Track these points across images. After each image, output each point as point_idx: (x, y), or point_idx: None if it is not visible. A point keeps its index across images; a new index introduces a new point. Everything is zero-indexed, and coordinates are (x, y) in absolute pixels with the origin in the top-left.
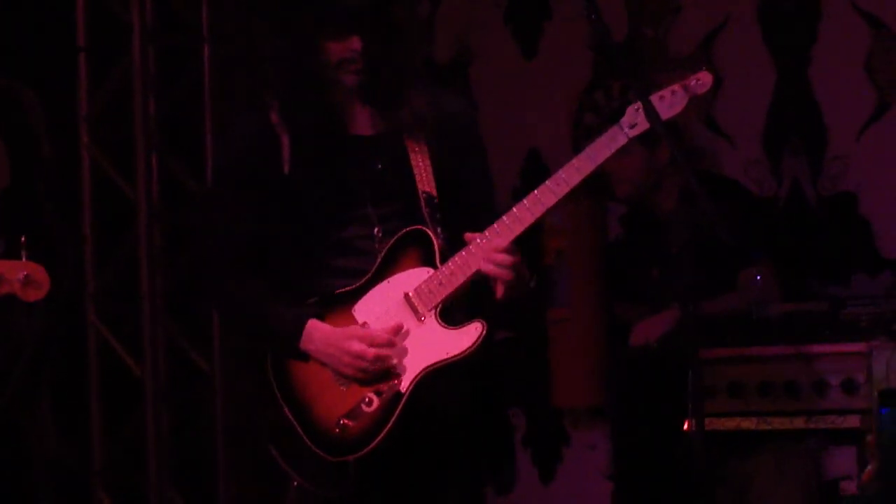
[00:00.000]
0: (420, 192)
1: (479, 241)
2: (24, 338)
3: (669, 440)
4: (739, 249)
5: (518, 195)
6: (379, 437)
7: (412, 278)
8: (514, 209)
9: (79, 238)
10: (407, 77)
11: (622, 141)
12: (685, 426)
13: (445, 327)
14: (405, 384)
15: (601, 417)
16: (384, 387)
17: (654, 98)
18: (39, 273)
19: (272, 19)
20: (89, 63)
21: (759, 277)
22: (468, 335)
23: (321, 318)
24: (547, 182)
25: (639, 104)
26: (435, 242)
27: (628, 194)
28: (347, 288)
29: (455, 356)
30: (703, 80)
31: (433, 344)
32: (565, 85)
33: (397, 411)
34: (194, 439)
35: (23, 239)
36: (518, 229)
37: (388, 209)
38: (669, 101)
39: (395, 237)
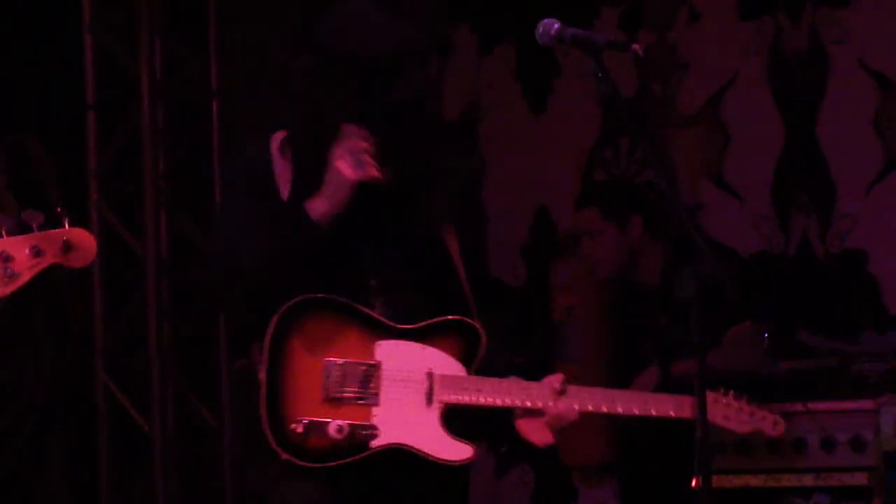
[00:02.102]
0: (461, 272)
1: (532, 386)
2: (33, 394)
3: (677, 497)
4: (738, 307)
5: (528, 254)
6: (326, 464)
7: (444, 364)
8: (603, 393)
9: (88, 294)
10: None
11: (686, 414)
12: (693, 483)
13: (443, 427)
14: (379, 442)
15: (610, 474)
16: (362, 427)
17: (734, 405)
18: (81, 237)
19: (288, 87)
20: (99, 118)
21: (766, 335)
22: (459, 451)
23: (331, 321)
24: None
25: (715, 397)
26: (482, 344)
27: (609, 273)
28: (385, 320)
29: (439, 459)
30: (778, 426)
31: (425, 433)
32: (575, 141)
33: (356, 457)
34: (204, 497)
35: (58, 209)
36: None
37: (394, 280)
38: (744, 419)
39: (453, 317)
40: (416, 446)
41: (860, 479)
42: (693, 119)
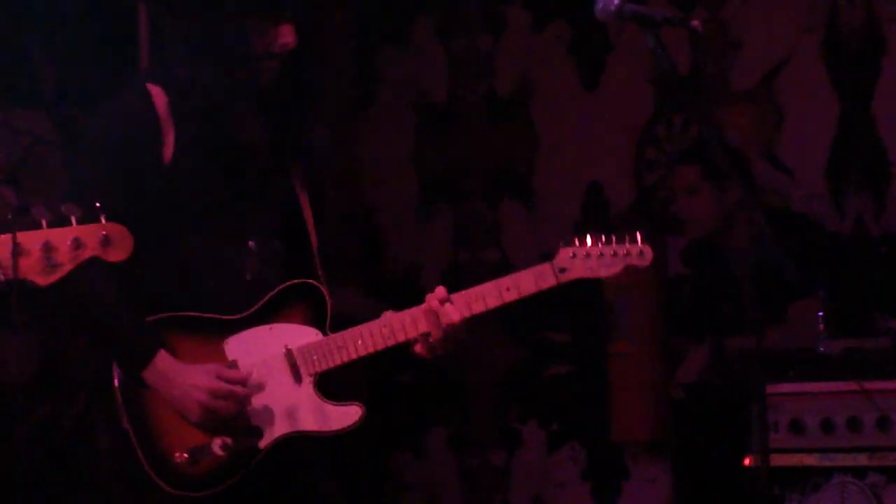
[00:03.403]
0: (313, 239)
1: (399, 316)
2: (82, 374)
3: (730, 476)
4: (799, 284)
5: (579, 228)
6: (223, 485)
7: (297, 334)
8: (475, 292)
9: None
10: (318, 98)
11: (550, 282)
12: (746, 462)
13: (323, 399)
14: (266, 441)
15: (661, 451)
16: (243, 435)
17: (594, 252)
18: (119, 232)
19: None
20: None
21: (821, 314)
22: (347, 416)
23: (175, 339)
24: (470, 291)
25: (572, 251)
26: (328, 304)
27: (700, 234)
28: (222, 317)
29: (328, 432)
30: (645, 255)
31: (306, 411)
32: (627, 118)
33: (251, 464)
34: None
35: (97, 203)
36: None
37: (269, 244)
38: (609, 262)
39: (286, 284)
40: (303, 428)
41: None
42: (747, 97)
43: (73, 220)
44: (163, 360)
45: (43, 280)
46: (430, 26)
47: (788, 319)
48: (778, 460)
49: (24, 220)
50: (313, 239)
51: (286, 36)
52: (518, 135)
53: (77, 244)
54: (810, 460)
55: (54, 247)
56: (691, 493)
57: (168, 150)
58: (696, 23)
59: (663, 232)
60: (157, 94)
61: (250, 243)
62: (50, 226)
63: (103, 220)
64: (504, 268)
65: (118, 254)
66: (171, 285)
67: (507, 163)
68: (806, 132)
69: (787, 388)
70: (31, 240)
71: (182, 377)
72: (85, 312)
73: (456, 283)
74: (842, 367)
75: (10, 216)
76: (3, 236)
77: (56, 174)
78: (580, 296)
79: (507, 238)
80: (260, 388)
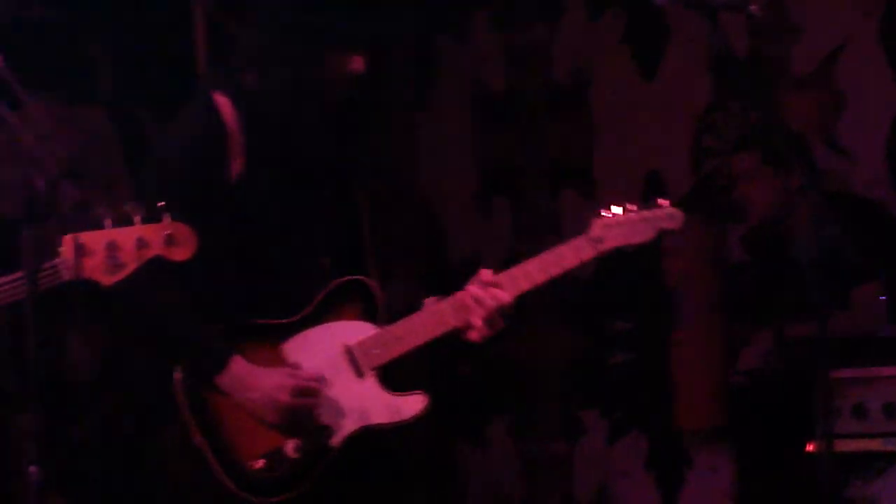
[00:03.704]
0: (367, 239)
1: (433, 308)
2: (141, 377)
3: (793, 462)
4: (861, 269)
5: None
6: (302, 486)
7: (353, 331)
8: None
9: None
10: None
11: (590, 253)
12: (809, 448)
13: (386, 391)
14: (338, 439)
15: (723, 439)
16: (315, 436)
17: (626, 220)
18: (184, 232)
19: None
20: None
21: (883, 298)
22: (412, 405)
23: (241, 348)
24: (514, 269)
25: (604, 221)
26: (378, 298)
27: (760, 220)
28: (278, 321)
29: (396, 423)
30: (675, 217)
31: (372, 405)
32: (684, 106)
33: (324, 463)
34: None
35: (160, 203)
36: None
37: (340, 257)
38: (641, 228)
39: (337, 282)
40: (372, 422)
41: None
42: (806, 82)
43: (137, 219)
44: (238, 364)
45: (107, 279)
46: (486, 17)
47: (851, 304)
48: (841, 446)
49: (85, 217)
50: (367, 239)
51: (357, 64)
52: (576, 124)
53: (141, 244)
54: (873, 445)
55: (118, 246)
56: (754, 481)
57: (236, 163)
58: (754, 7)
59: (723, 219)
60: (224, 105)
61: (323, 261)
62: (114, 225)
63: (167, 220)
64: None
65: (182, 253)
66: (233, 295)
67: (565, 153)
68: (866, 116)
69: (849, 373)
70: (95, 240)
71: (260, 380)
72: (158, 319)
73: None
74: None
75: (71, 211)
76: (67, 236)
77: (114, 170)
78: (642, 284)
79: (566, 228)
80: (327, 386)
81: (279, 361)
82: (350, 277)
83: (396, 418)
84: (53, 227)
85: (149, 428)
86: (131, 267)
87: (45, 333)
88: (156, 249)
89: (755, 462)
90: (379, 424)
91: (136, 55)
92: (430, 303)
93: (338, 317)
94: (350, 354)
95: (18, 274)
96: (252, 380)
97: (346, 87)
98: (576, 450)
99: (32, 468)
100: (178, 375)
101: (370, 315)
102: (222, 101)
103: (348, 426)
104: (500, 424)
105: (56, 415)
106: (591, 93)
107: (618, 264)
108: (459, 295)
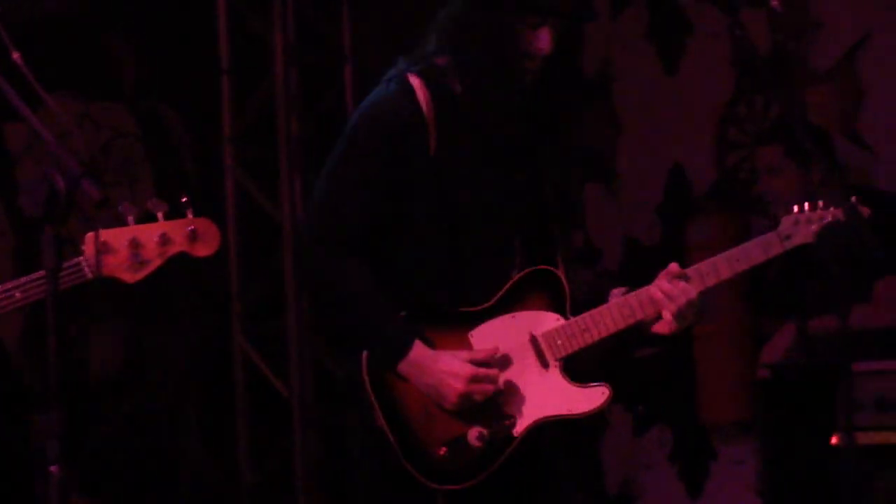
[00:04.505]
0: (557, 228)
1: (621, 301)
2: (173, 363)
3: (817, 454)
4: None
5: (663, 212)
6: (483, 475)
7: (540, 321)
8: (707, 266)
9: (224, 260)
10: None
11: (777, 250)
12: (833, 440)
13: (570, 382)
14: (520, 428)
15: (748, 432)
16: (498, 424)
17: (814, 217)
18: (207, 227)
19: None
20: (232, 83)
21: None
22: (594, 397)
23: (428, 335)
24: (701, 265)
25: (794, 217)
26: (567, 289)
27: (784, 213)
28: (468, 308)
29: (577, 415)
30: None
31: (555, 396)
32: (708, 100)
33: (507, 452)
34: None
35: (184, 198)
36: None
37: (528, 237)
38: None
39: (526, 271)
40: (555, 413)
41: None
42: (827, 76)
43: (160, 215)
44: (418, 349)
45: (130, 277)
46: None
47: (874, 297)
48: (864, 438)
49: (106, 213)
50: (556, 229)
51: (544, 41)
52: (600, 118)
53: (164, 240)
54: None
55: (141, 243)
56: (779, 473)
57: (432, 144)
58: (775, 2)
59: (747, 212)
60: (419, 88)
61: (516, 242)
62: (136, 222)
63: (190, 216)
64: (587, 251)
65: (205, 248)
66: (432, 273)
67: (589, 146)
68: (887, 109)
69: (873, 366)
70: (117, 237)
71: (437, 364)
72: (338, 307)
73: None
74: None
75: (93, 210)
76: (89, 234)
77: (137, 167)
78: None
79: (590, 220)
80: (510, 375)
81: (467, 348)
82: (538, 267)
83: (576, 410)
84: (75, 226)
85: (171, 428)
86: (156, 263)
87: (67, 333)
88: (179, 246)
89: (779, 455)
90: (560, 416)
91: (158, 52)
92: (616, 294)
93: (526, 306)
94: (535, 344)
95: (41, 273)
96: (430, 363)
97: (536, 64)
98: (601, 443)
99: (54, 468)
100: (365, 355)
101: (557, 306)
102: (416, 82)
103: (530, 416)
104: None
105: (78, 414)
106: (615, 86)
107: (642, 257)
108: (649, 289)
